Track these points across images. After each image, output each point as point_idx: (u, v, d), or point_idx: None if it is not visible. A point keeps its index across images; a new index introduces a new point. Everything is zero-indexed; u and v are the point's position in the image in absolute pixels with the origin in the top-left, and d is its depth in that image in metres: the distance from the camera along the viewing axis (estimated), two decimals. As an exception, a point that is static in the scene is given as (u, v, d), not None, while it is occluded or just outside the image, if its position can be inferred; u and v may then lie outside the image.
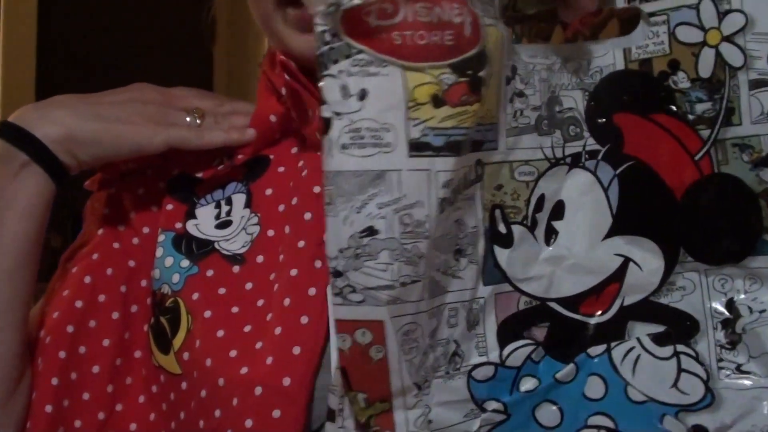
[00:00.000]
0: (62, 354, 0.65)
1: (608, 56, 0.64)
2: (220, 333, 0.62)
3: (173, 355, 0.64)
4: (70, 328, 0.65)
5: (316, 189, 0.66)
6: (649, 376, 0.60)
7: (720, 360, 0.61)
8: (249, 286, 0.65)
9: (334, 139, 0.55)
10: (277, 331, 0.61)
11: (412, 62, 0.55)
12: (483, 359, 0.61)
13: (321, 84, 0.55)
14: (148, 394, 0.67)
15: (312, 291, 0.62)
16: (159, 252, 0.67)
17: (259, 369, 0.59)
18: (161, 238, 0.67)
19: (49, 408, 0.64)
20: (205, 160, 0.69)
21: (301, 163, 0.68)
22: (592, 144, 0.64)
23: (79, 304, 0.66)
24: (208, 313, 0.63)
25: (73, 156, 0.64)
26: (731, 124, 0.60)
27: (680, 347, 0.61)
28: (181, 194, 0.69)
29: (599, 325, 0.62)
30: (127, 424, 0.66)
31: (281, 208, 0.67)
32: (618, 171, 0.63)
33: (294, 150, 0.69)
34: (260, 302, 0.63)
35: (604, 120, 0.64)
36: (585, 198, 0.63)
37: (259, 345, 0.61)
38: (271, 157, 0.70)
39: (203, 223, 0.67)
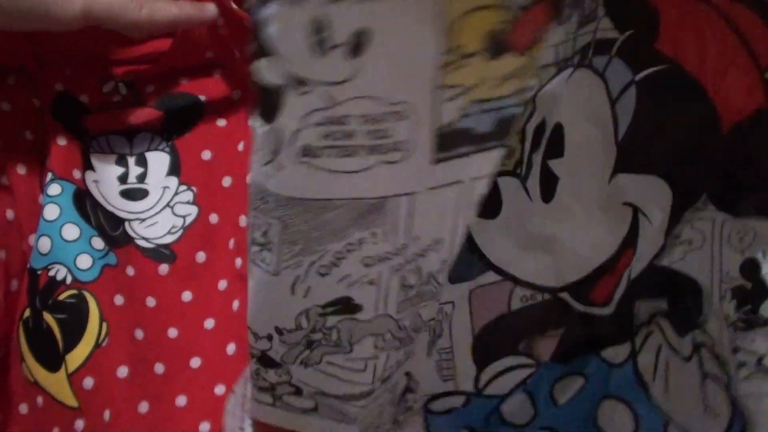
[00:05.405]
0: None
1: None
2: (159, 368, 0.45)
3: (65, 375, 0.45)
4: None
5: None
6: (684, 399, 0.43)
7: (735, 350, 0.45)
8: (187, 297, 0.46)
9: (285, 135, 0.25)
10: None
11: None
12: (449, 386, 0.39)
13: (260, 15, 0.24)
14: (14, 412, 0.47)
15: None
16: (51, 212, 0.46)
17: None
18: (54, 189, 0.46)
19: None
20: (91, 79, 0.48)
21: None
22: (606, 28, 0.40)
23: None
24: (140, 334, 0.45)
25: None
26: None
27: (698, 335, 0.44)
28: (72, 126, 0.48)
29: (612, 317, 0.43)
30: None
31: (227, 182, 0.47)
32: (638, 76, 0.41)
33: (236, 94, 0.48)
34: (209, 323, 0.45)
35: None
36: (589, 114, 0.41)
37: (220, 390, 0.44)
38: (203, 99, 0.48)
39: (104, 181, 0.47)
